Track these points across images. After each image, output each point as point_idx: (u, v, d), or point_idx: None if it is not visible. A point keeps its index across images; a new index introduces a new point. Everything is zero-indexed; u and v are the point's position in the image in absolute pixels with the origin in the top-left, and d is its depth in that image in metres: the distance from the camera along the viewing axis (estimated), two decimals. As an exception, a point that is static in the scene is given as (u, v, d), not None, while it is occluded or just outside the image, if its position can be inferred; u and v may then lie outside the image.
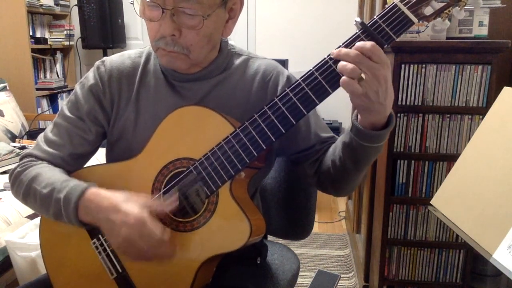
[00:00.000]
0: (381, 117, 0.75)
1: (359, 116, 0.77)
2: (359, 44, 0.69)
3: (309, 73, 0.75)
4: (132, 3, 0.84)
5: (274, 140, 0.78)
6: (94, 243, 0.89)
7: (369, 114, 0.74)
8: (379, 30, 0.71)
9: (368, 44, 0.69)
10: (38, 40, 3.28)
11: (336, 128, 3.13)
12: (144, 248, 0.77)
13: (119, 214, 0.78)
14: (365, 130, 0.76)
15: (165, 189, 0.85)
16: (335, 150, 0.87)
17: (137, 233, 0.76)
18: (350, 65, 0.69)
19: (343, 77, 0.70)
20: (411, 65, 1.55)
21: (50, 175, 0.88)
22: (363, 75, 0.69)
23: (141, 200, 0.80)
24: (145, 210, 0.78)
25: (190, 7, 0.78)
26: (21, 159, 0.94)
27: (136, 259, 0.81)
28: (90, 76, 0.95)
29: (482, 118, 1.24)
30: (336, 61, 0.72)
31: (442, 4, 0.69)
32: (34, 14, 3.27)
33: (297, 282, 1.17)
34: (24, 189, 0.89)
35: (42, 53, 3.41)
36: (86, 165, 0.98)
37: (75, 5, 3.24)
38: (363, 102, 0.71)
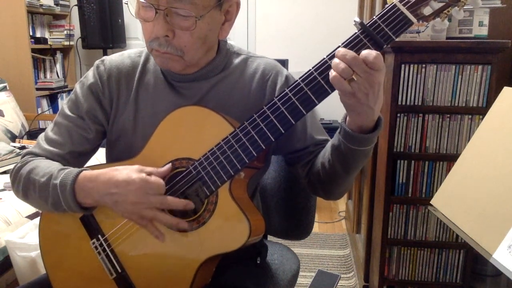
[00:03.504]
0: (369, 120, 0.75)
1: (347, 118, 0.78)
2: (364, 52, 0.68)
3: (308, 73, 0.75)
4: (127, 3, 0.84)
5: (273, 140, 0.78)
6: (93, 243, 0.89)
7: (357, 116, 0.74)
8: (378, 30, 0.71)
9: (372, 54, 0.68)
10: (38, 40, 3.28)
11: (336, 128, 3.11)
12: (155, 203, 0.79)
13: (120, 186, 0.79)
14: (352, 133, 0.77)
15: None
16: (325, 153, 0.88)
17: (143, 191, 0.78)
18: (342, 65, 0.69)
19: (334, 74, 0.70)
20: (411, 65, 1.55)
21: (48, 165, 0.88)
22: (354, 77, 0.69)
23: (134, 167, 0.82)
24: (142, 172, 0.80)
25: (183, 8, 0.77)
26: (21, 158, 0.95)
27: (149, 219, 0.81)
28: (89, 75, 0.96)
29: (482, 118, 1.23)
30: None
31: (441, 4, 0.69)
32: (34, 14, 3.27)
33: (297, 282, 1.17)
34: (23, 182, 0.89)
35: (42, 53, 3.41)
36: (86, 165, 0.98)
37: (75, 5, 3.24)
38: (352, 101, 0.71)
